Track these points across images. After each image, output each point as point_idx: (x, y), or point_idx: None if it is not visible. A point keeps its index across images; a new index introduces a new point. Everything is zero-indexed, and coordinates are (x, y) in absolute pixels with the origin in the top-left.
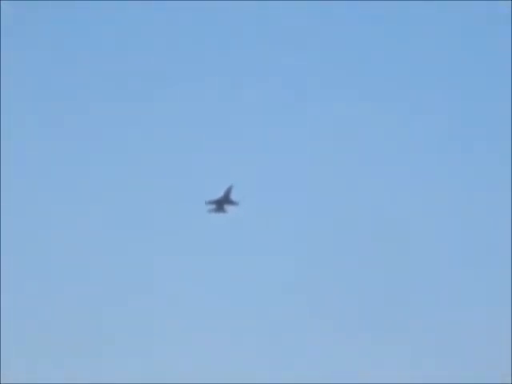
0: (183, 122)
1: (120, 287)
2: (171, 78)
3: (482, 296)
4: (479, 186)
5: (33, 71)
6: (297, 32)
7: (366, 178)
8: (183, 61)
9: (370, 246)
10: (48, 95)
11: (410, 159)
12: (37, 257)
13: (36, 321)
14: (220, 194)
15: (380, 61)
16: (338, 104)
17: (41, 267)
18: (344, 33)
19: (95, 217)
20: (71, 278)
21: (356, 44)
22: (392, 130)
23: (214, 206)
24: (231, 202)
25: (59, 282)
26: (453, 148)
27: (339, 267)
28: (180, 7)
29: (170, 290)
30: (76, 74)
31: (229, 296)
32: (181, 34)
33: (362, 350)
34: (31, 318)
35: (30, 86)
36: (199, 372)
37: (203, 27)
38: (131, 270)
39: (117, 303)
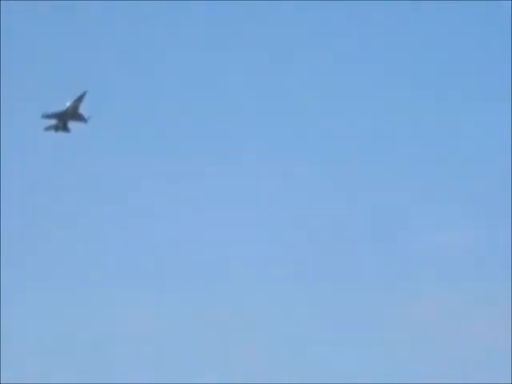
0: None
1: None
2: None
3: (482, 296)
4: (478, 184)
5: (32, 70)
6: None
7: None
8: None
9: (369, 242)
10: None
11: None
12: (36, 259)
13: (36, 321)
14: (65, 104)
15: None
16: None
17: (42, 267)
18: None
19: None
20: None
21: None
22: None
23: (54, 122)
24: (78, 117)
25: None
26: (451, 146)
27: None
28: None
29: None
30: (75, 74)
31: None
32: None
33: (361, 350)
34: (31, 319)
35: (30, 86)
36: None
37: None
38: None
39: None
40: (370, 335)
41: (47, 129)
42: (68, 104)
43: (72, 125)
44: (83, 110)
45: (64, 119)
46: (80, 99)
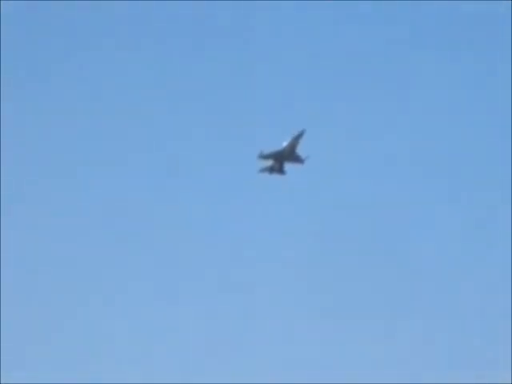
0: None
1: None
2: None
3: (482, 296)
4: (478, 186)
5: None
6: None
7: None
8: None
9: (371, 244)
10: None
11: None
12: (36, 252)
13: (36, 321)
14: (282, 144)
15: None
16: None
17: (40, 263)
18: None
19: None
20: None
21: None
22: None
23: (270, 163)
24: (296, 158)
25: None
26: (451, 146)
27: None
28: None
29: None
30: (76, 75)
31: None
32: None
33: (362, 350)
34: (31, 319)
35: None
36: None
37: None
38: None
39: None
40: (371, 335)
41: (262, 170)
42: (285, 143)
43: (288, 166)
44: (300, 150)
45: (280, 160)
46: (298, 138)
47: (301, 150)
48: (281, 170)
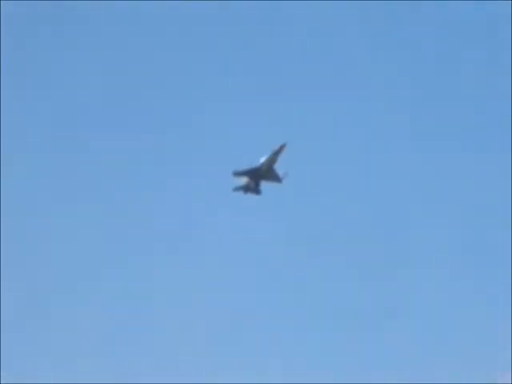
0: None
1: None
2: None
3: (482, 296)
4: (479, 186)
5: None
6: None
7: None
8: None
9: (369, 246)
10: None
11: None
12: (37, 254)
13: (36, 320)
14: (259, 160)
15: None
16: None
17: (42, 265)
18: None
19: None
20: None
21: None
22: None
23: (244, 181)
24: (273, 177)
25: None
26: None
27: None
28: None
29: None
30: (76, 74)
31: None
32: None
33: (361, 350)
34: (31, 319)
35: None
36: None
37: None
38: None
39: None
40: (369, 335)
41: (236, 189)
42: (263, 159)
43: (264, 185)
44: (278, 166)
45: (257, 177)
46: (277, 153)
47: (279, 167)
48: (256, 190)
